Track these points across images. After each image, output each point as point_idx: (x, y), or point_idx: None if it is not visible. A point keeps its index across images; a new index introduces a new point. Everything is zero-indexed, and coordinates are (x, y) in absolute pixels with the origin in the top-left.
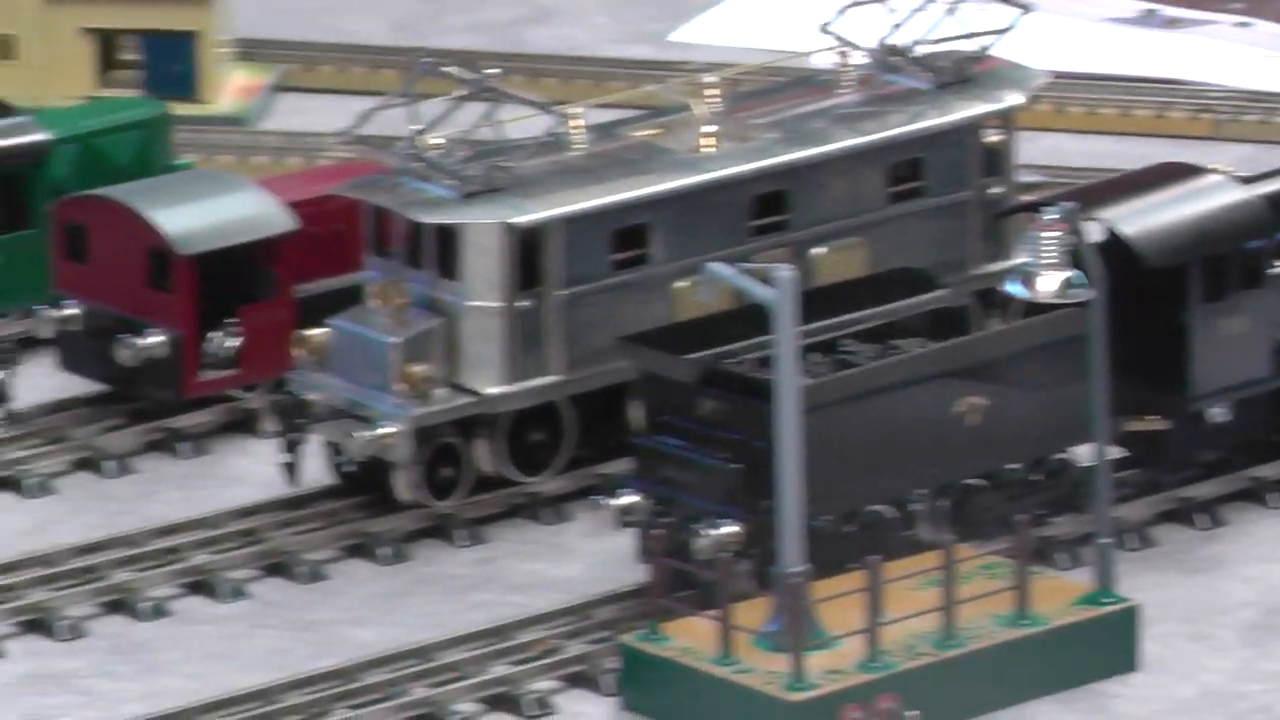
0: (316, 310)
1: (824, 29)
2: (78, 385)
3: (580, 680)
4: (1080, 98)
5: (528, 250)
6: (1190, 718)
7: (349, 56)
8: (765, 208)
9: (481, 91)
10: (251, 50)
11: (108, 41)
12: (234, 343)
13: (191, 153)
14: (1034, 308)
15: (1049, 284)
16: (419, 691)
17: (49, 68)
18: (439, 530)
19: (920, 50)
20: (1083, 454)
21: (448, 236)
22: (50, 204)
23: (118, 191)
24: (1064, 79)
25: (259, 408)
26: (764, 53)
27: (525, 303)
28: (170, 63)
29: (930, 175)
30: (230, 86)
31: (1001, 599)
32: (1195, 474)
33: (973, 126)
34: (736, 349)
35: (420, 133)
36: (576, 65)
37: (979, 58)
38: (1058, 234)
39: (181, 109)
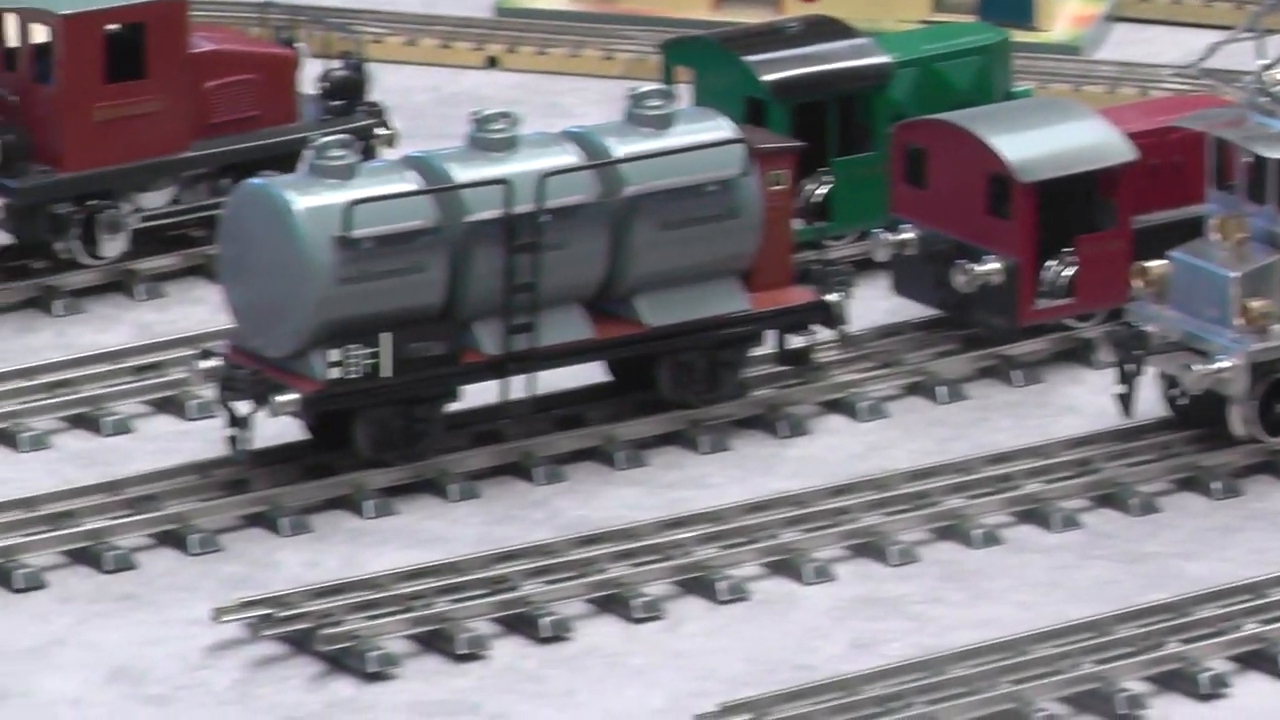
0: (1153, 242)
1: None
2: (911, 309)
3: None
4: None
5: None
6: None
7: None
8: None
9: None
10: None
11: None
12: (1070, 272)
13: (1026, 80)
14: None
15: None
16: (1251, 627)
17: None
18: (1271, 466)
19: None
20: None
21: None
22: (890, 127)
23: (959, 117)
24: None
25: (1094, 338)
26: None
27: None
28: None
29: None
30: (1065, 14)
31: None
32: None
33: None
34: None
35: (1267, 67)
36: None
37: None
38: None
39: (1017, 36)
